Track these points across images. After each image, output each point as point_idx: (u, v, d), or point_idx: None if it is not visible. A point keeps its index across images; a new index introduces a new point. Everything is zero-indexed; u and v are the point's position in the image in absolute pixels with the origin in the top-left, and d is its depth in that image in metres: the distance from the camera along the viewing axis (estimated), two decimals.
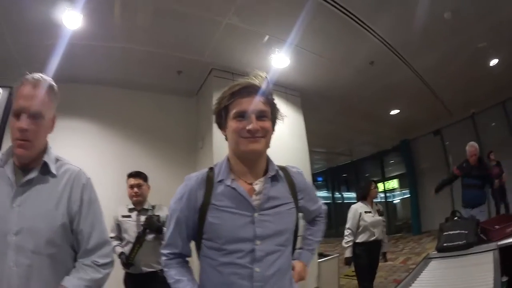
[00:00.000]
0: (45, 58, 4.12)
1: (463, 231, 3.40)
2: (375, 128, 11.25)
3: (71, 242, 1.64)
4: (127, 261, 3.55)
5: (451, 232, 3.48)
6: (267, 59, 5.49)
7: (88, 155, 5.31)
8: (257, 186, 1.47)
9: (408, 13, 5.05)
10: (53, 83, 1.65)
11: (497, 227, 3.38)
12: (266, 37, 5.21)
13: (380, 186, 14.83)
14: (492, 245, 3.08)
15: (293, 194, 1.57)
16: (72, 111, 5.30)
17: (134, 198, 3.80)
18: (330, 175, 18.88)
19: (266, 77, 1.48)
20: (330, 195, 18.70)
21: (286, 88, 6.76)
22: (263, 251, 1.39)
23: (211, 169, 1.52)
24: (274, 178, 1.52)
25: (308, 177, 6.54)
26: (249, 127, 1.36)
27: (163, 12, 4.55)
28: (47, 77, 1.64)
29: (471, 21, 5.49)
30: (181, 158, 6.27)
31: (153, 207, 3.88)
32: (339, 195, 18.80)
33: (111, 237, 3.56)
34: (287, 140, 6.29)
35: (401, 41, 5.89)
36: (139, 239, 3.55)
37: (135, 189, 3.78)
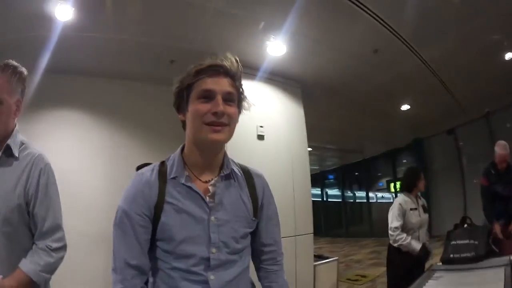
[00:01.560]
0: (36, 50, 4.27)
1: (472, 241, 2.97)
2: (385, 125, 10.83)
3: (28, 223, 1.75)
4: None
5: (459, 242, 3.07)
6: (262, 47, 5.26)
7: (79, 146, 5.37)
8: (212, 187, 1.37)
9: None
10: (20, 68, 1.77)
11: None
12: (262, 24, 4.92)
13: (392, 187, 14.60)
14: (505, 259, 2.72)
15: (252, 198, 1.47)
16: (65, 103, 5.37)
17: None
18: (341, 173, 18.69)
19: (236, 60, 1.39)
20: (341, 193, 18.49)
21: (285, 78, 6.38)
22: (218, 259, 1.30)
23: (163, 163, 1.42)
24: (229, 177, 1.43)
25: (306, 175, 6.20)
26: (216, 109, 1.25)
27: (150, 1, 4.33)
28: (13, 63, 1.76)
29: (483, 6, 4.98)
30: (172, 151, 5.92)
31: None
32: (351, 194, 18.59)
33: None
34: (285, 132, 6.00)
35: (406, 27, 5.42)
36: None
37: None
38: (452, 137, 11.28)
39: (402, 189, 4.25)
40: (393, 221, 3.94)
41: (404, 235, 3.85)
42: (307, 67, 6.29)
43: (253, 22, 4.91)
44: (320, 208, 17.43)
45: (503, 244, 2.89)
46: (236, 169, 1.48)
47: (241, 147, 4.95)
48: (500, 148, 4.54)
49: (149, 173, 1.37)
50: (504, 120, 9.67)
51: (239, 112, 1.42)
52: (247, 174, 1.52)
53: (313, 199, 6.56)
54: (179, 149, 1.44)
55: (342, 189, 18.47)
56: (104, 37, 4.88)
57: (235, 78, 1.37)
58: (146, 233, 1.31)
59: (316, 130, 8.60)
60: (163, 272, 1.31)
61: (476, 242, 2.89)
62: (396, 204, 4.04)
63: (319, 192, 19.12)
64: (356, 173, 17.95)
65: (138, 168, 3.52)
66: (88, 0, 4.08)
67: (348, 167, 17.80)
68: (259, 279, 1.60)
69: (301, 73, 6.37)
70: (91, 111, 5.75)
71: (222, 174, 1.40)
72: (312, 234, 5.86)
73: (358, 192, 17.94)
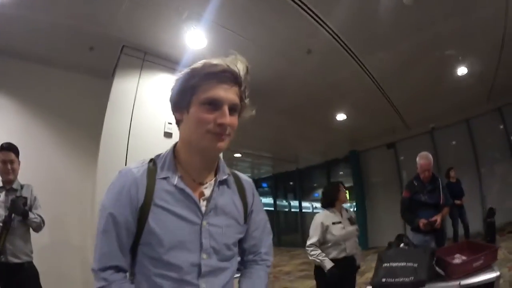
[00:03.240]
0: None
1: (411, 264, 2.57)
2: (321, 135, 10.76)
3: None
4: None
5: (394, 264, 2.65)
6: (182, 38, 4.92)
7: None
8: (207, 190, 1.34)
9: None
10: None
11: (458, 260, 2.57)
12: (184, 14, 4.61)
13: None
14: (454, 285, 2.46)
15: (243, 203, 1.45)
16: None
17: (7, 176, 3.64)
18: (275, 182, 18.79)
19: (247, 66, 1.32)
20: (273, 201, 18.58)
21: None
22: (209, 266, 1.27)
23: (153, 161, 1.34)
24: (224, 183, 1.40)
25: None
26: (222, 120, 1.21)
27: None
28: None
29: (436, 14, 4.87)
30: (84, 142, 5.76)
31: (22, 187, 3.72)
32: (286, 203, 18.68)
33: None
34: None
35: (346, 28, 5.16)
36: (6, 224, 3.39)
37: (9, 166, 3.63)
38: (392, 151, 11.49)
39: (323, 205, 4.37)
40: (311, 237, 4.03)
41: (318, 251, 3.92)
42: None
43: (172, 10, 4.61)
44: None
45: (450, 266, 2.54)
46: (229, 176, 1.45)
47: (145, 144, 4.66)
48: (420, 158, 4.63)
49: (136, 170, 1.30)
50: (448, 137, 10.05)
51: (239, 115, 1.37)
52: (237, 178, 1.50)
53: None
54: (171, 148, 1.38)
55: (275, 197, 18.49)
56: (32, 17, 4.53)
57: (242, 87, 1.32)
58: (129, 235, 1.25)
59: (247, 136, 8.23)
60: (148, 278, 1.24)
61: (415, 265, 2.53)
62: (315, 221, 4.13)
63: None
64: (291, 183, 17.95)
65: (0, 148, 3.62)
66: None
67: (283, 176, 17.85)
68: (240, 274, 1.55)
69: None
70: (6, 93, 5.39)
71: (218, 179, 1.37)
72: None
73: (293, 201, 17.93)
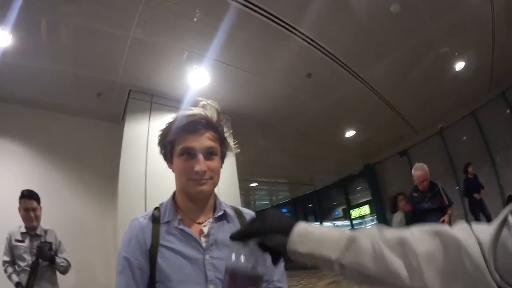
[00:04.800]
0: None
1: None
2: (332, 154, 10.77)
3: None
4: None
5: None
6: (185, 78, 5.11)
7: (11, 176, 5.25)
8: (206, 227, 1.40)
9: (347, 11, 4.49)
10: None
11: None
12: (185, 54, 4.79)
13: (349, 213, 14.51)
14: None
15: None
16: None
17: (30, 223, 3.73)
18: (294, 206, 18.61)
19: (217, 108, 1.43)
20: None
21: None
22: None
23: (157, 209, 1.44)
24: (222, 218, 1.45)
25: None
26: (196, 168, 1.29)
27: (75, 29, 4.33)
28: None
29: (422, 21, 4.96)
30: (100, 185, 6.08)
31: (45, 232, 3.85)
32: None
33: (5, 262, 3.61)
34: None
35: (341, 46, 5.26)
36: (34, 269, 3.52)
37: (31, 213, 3.72)
38: (405, 158, 11.32)
39: (391, 211, 5.45)
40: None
41: None
42: (236, 98, 6.07)
43: (174, 52, 4.78)
44: None
45: None
46: (228, 210, 1.49)
47: (162, 184, 4.74)
48: (416, 169, 4.84)
49: (142, 218, 1.40)
50: (459, 133, 9.86)
51: (223, 158, 1.46)
52: (239, 213, 1.53)
53: None
54: (171, 195, 1.47)
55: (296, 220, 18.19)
56: (38, 66, 4.83)
57: (216, 130, 1.39)
58: (143, 274, 1.31)
59: (260, 165, 8.28)
60: None
61: None
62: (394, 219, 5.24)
63: None
64: (310, 204, 17.82)
65: (22, 196, 3.78)
66: (24, 28, 4.09)
67: (301, 199, 17.72)
68: None
69: (229, 105, 6.04)
70: (23, 141, 5.66)
71: (215, 216, 1.42)
72: None
73: (314, 223, 17.53)
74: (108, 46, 4.61)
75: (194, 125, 1.33)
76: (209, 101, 1.41)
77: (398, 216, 5.59)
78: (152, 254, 1.32)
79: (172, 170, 1.42)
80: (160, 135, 1.42)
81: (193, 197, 1.39)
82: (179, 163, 1.34)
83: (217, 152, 1.38)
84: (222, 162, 1.46)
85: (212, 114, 1.39)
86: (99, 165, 6.11)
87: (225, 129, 1.45)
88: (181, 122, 1.34)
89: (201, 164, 1.30)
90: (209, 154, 1.34)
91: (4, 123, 5.41)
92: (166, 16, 4.23)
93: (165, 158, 1.44)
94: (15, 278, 3.53)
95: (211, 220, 1.43)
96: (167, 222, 1.38)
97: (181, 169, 1.33)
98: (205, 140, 1.34)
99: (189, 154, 1.32)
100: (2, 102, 5.41)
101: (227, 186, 5.75)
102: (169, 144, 1.38)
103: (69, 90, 5.50)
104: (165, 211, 1.41)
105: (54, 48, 4.55)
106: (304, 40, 4.84)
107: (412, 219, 4.74)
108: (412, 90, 7.17)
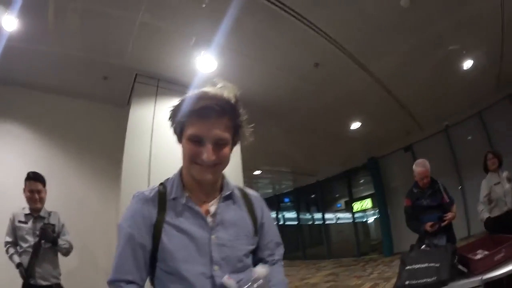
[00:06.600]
0: None
1: (433, 264, 2.58)
2: (337, 146, 10.72)
3: None
4: (27, 273, 3.49)
5: (416, 266, 2.66)
6: (192, 63, 5.07)
7: (18, 159, 5.30)
8: (212, 207, 1.40)
9: (356, 2, 4.50)
10: None
11: (479, 255, 2.57)
12: (193, 40, 4.81)
13: (351, 206, 14.52)
14: (476, 280, 2.42)
15: (251, 216, 1.49)
16: (5, 114, 5.41)
17: (34, 205, 3.77)
18: (297, 196, 18.53)
19: (235, 93, 1.35)
20: (296, 215, 18.38)
21: None
22: (222, 277, 1.27)
23: (162, 184, 1.44)
24: (229, 198, 1.45)
25: None
26: (204, 157, 1.26)
27: (82, 12, 4.33)
28: None
29: (434, 12, 4.88)
30: (104, 168, 6.10)
31: (49, 214, 3.87)
32: (309, 216, 18.41)
33: (8, 242, 3.67)
34: None
35: (349, 37, 5.24)
36: (36, 251, 3.56)
37: (36, 195, 3.77)
38: (409, 153, 11.23)
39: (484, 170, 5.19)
40: (481, 195, 4.94)
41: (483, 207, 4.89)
42: (242, 85, 5.97)
43: (181, 37, 4.79)
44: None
45: (472, 262, 2.54)
46: (236, 190, 1.49)
47: (167, 167, 4.78)
48: (417, 166, 4.71)
49: (148, 192, 1.39)
50: (464, 133, 9.78)
51: (234, 145, 1.40)
52: (244, 194, 1.54)
53: None
54: (178, 171, 1.45)
55: (298, 211, 18.29)
56: (45, 50, 4.84)
57: (231, 117, 1.33)
58: (145, 250, 1.31)
59: (265, 153, 8.26)
60: None
61: (437, 265, 2.54)
62: (482, 184, 5.03)
63: (275, 216, 18.91)
64: (313, 195, 17.68)
65: (28, 178, 3.78)
66: (30, 12, 4.09)
67: (304, 189, 17.63)
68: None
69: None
70: (29, 124, 5.68)
71: (222, 195, 1.42)
72: None
73: (316, 214, 17.61)
74: (115, 29, 4.62)
75: (207, 111, 1.26)
76: (227, 85, 1.35)
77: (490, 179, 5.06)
78: (156, 230, 1.30)
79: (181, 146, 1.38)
80: (172, 111, 1.37)
81: (197, 180, 1.36)
82: (187, 146, 1.30)
83: (228, 142, 1.33)
84: (233, 147, 1.40)
85: (228, 100, 1.30)
86: (104, 149, 6.09)
87: (241, 117, 1.38)
88: (194, 105, 1.28)
89: (209, 153, 1.26)
90: (220, 144, 1.29)
91: (10, 106, 5.46)
92: (175, 1, 4.21)
93: (175, 133, 1.40)
94: (16, 259, 3.57)
95: (217, 199, 1.42)
96: (174, 198, 1.36)
97: (188, 152, 1.31)
98: (217, 130, 1.28)
99: (198, 141, 1.28)
100: (8, 85, 5.44)
101: (230, 174, 5.69)
102: (179, 125, 1.34)
103: (75, 74, 5.54)
104: (172, 188, 1.39)
105: (61, 31, 4.55)
106: (313, 29, 4.81)
107: (411, 215, 4.67)
108: (419, 86, 7.14)
